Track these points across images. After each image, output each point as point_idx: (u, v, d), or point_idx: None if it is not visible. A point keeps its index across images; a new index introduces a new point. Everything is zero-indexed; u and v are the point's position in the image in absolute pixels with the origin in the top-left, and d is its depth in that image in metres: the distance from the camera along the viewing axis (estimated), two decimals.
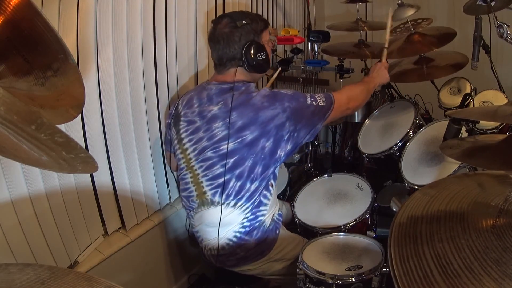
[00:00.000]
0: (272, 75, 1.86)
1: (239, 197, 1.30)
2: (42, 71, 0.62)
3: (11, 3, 0.55)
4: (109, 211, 1.53)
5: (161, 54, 1.58)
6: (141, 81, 1.49)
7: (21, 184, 1.16)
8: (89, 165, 0.55)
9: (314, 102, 1.32)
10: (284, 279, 1.43)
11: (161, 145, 1.68)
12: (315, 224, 1.51)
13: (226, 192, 1.30)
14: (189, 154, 1.37)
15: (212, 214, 1.33)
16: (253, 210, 1.33)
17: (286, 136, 1.29)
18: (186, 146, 1.37)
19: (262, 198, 1.35)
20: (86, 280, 0.54)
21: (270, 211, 1.40)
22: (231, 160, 1.28)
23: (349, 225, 1.46)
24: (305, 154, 2.33)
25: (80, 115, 1.28)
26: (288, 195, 1.96)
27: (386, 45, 1.65)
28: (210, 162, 1.31)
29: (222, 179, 1.29)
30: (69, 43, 1.20)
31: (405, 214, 0.74)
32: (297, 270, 1.23)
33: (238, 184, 1.29)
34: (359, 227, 1.48)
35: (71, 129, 1.27)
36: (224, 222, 1.32)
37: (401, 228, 0.70)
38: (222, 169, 1.28)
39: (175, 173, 1.64)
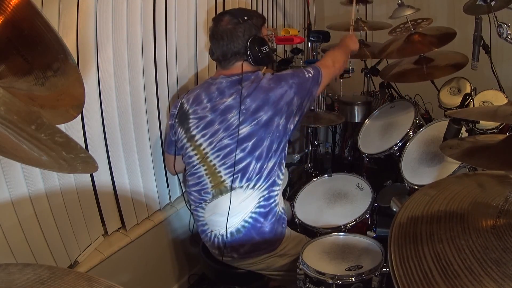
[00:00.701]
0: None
1: (258, 176, 1.35)
2: (42, 71, 0.62)
3: (11, 3, 0.55)
4: (109, 211, 1.53)
5: (161, 54, 1.58)
6: (141, 81, 1.49)
7: (21, 184, 1.16)
8: (89, 165, 0.55)
9: (309, 74, 1.42)
10: (285, 275, 1.44)
11: (161, 145, 1.68)
12: (315, 224, 1.51)
13: (247, 176, 1.34)
14: (204, 148, 1.38)
15: (229, 200, 1.36)
16: (269, 189, 1.38)
17: (295, 110, 1.37)
18: (200, 141, 1.39)
19: (276, 178, 1.40)
20: (86, 280, 0.54)
21: (279, 195, 1.44)
22: (250, 143, 1.32)
23: (349, 225, 1.46)
24: (305, 154, 2.33)
25: (80, 115, 1.28)
26: (288, 195, 1.96)
27: (352, 23, 1.86)
28: (228, 149, 1.34)
29: (242, 164, 1.33)
30: (69, 43, 1.21)
31: (405, 214, 0.74)
32: (297, 270, 1.24)
33: (258, 165, 1.34)
34: (359, 227, 1.48)
35: (71, 129, 1.27)
36: (242, 207, 1.35)
37: (401, 228, 0.70)
38: (241, 154, 1.33)
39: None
